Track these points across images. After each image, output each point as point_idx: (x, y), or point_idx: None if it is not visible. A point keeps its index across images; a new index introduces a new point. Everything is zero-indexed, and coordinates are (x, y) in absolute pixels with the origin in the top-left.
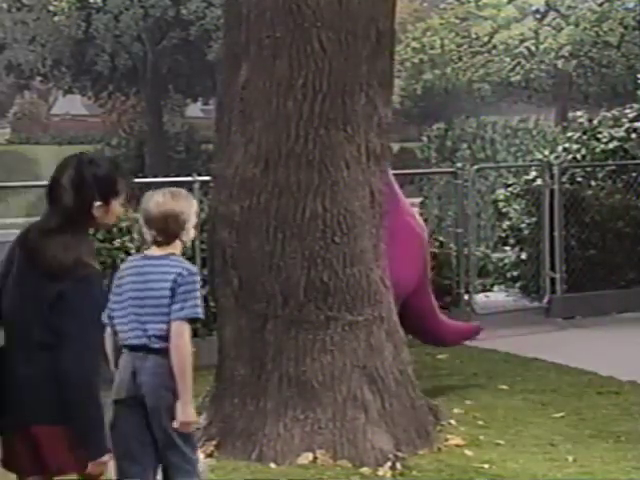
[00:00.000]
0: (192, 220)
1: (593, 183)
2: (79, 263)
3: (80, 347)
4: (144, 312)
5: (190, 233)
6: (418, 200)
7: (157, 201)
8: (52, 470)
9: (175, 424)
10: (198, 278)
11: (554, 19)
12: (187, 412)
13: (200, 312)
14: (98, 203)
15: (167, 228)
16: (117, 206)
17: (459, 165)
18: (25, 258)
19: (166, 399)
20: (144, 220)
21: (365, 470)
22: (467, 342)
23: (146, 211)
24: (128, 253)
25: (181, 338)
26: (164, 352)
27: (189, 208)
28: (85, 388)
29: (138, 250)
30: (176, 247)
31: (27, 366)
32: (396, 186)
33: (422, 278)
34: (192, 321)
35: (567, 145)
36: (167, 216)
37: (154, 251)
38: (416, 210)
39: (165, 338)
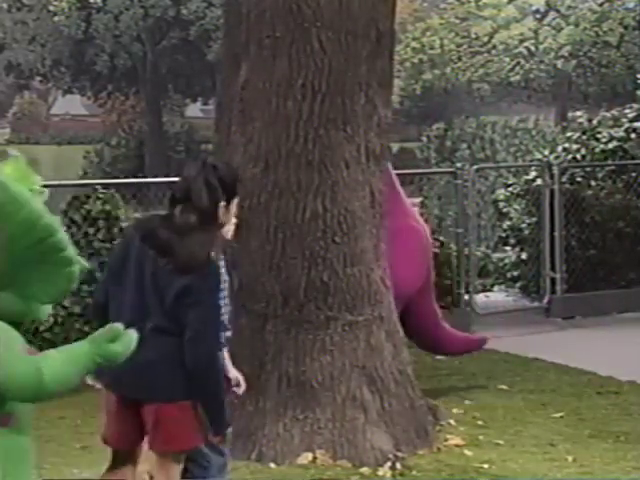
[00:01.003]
0: None
1: (593, 183)
2: (209, 259)
3: (206, 334)
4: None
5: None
6: (418, 200)
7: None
8: (159, 445)
9: None
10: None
11: (554, 19)
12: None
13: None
14: (222, 203)
15: None
16: (234, 206)
17: (459, 165)
18: (156, 253)
19: None
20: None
21: (365, 470)
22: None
23: None
24: None
25: None
26: None
27: None
28: (212, 370)
29: None
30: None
31: (145, 350)
32: (398, 187)
33: (424, 282)
34: None
35: (567, 145)
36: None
37: None
38: (416, 210)
39: None
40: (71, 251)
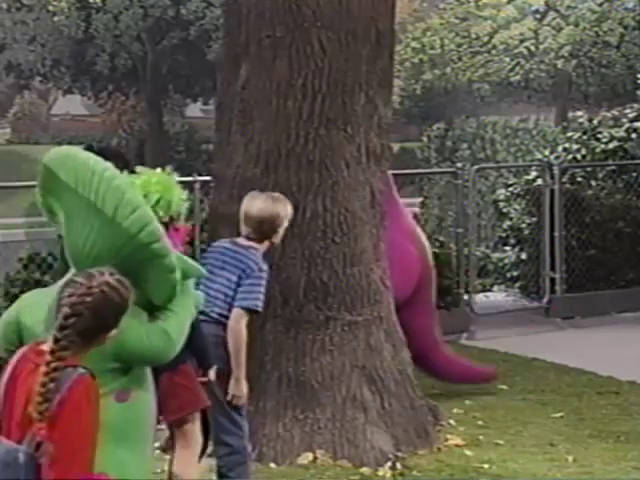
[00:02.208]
0: (285, 224)
1: (593, 183)
2: None
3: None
4: (215, 288)
5: (280, 236)
6: (418, 200)
7: (259, 206)
8: (174, 412)
9: (228, 397)
10: (266, 275)
11: (554, 19)
12: (239, 387)
13: (260, 306)
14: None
15: (261, 229)
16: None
17: (459, 165)
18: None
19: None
20: (243, 218)
21: (365, 470)
22: (467, 342)
23: (247, 212)
24: None
25: (238, 323)
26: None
27: (285, 213)
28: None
29: None
30: (263, 245)
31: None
32: (398, 199)
33: (417, 298)
34: (250, 312)
35: (567, 145)
36: (264, 220)
37: (242, 240)
38: (415, 210)
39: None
40: (172, 259)
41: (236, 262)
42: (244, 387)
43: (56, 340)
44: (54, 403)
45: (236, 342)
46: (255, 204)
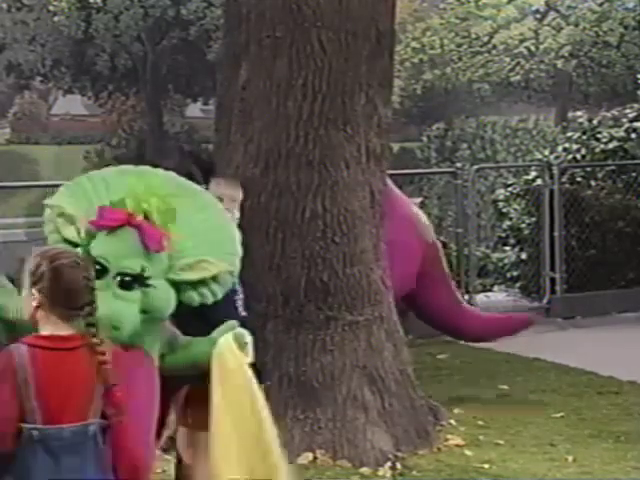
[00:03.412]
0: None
1: (593, 183)
2: None
3: None
4: None
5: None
6: (418, 200)
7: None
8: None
9: None
10: None
11: (554, 19)
12: None
13: None
14: None
15: None
16: None
17: (459, 165)
18: None
19: None
20: None
21: (365, 470)
22: (467, 342)
23: None
24: None
25: None
26: None
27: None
28: None
29: None
30: None
31: None
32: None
33: (427, 277)
34: None
35: (567, 145)
36: None
37: None
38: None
39: None
40: None
41: None
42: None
43: (87, 316)
44: (108, 376)
45: None
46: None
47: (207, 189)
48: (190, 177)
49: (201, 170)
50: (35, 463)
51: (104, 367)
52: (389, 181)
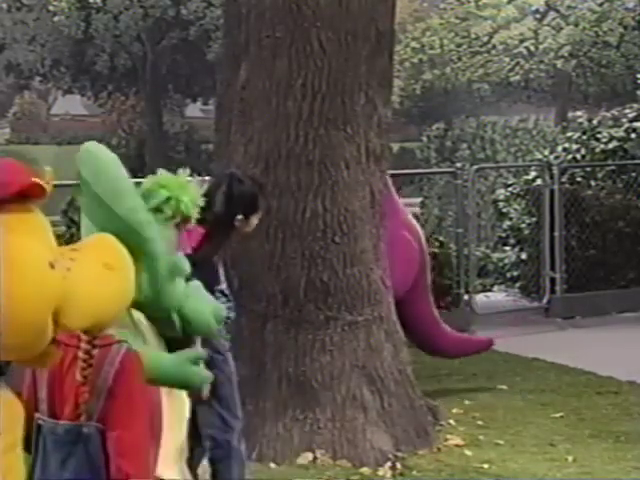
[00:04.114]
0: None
1: (593, 183)
2: (209, 261)
3: None
4: None
5: None
6: (418, 200)
7: None
8: None
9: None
10: None
11: (554, 19)
12: None
13: None
14: (240, 217)
15: None
16: (255, 220)
17: (459, 165)
18: None
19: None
20: None
21: (365, 470)
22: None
23: None
24: None
25: None
26: None
27: None
28: None
29: None
30: None
31: None
32: (393, 192)
33: (416, 286)
34: None
35: (567, 145)
36: None
37: None
38: (415, 210)
39: None
40: (157, 247)
41: None
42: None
43: None
44: (111, 374)
45: None
46: None
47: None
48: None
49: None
50: (37, 453)
51: (107, 368)
52: (390, 184)
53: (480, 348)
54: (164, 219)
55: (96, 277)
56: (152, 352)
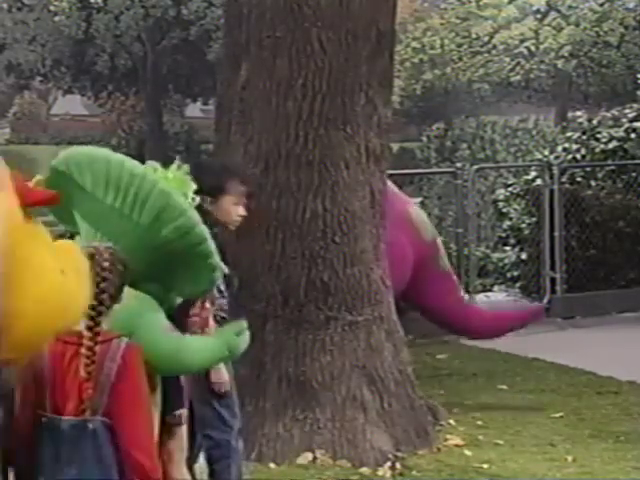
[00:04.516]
0: None
1: (593, 183)
2: None
3: None
4: None
5: None
6: (417, 200)
7: None
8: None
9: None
10: None
11: (554, 19)
12: (218, 374)
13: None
14: (208, 199)
15: None
16: (227, 202)
17: (459, 165)
18: None
19: None
20: None
21: (365, 470)
22: (467, 342)
23: None
24: None
25: None
26: None
27: None
28: None
29: None
30: None
31: None
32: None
33: (427, 272)
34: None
35: (567, 145)
36: None
37: None
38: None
39: None
40: (216, 258)
41: None
42: (224, 373)
43: (92, 307)
44: (112, 373)
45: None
46: None
47: None
48: None
49: None
50: (42, 449)
51: (109, 364)
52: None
53: (527, 319)
54: None
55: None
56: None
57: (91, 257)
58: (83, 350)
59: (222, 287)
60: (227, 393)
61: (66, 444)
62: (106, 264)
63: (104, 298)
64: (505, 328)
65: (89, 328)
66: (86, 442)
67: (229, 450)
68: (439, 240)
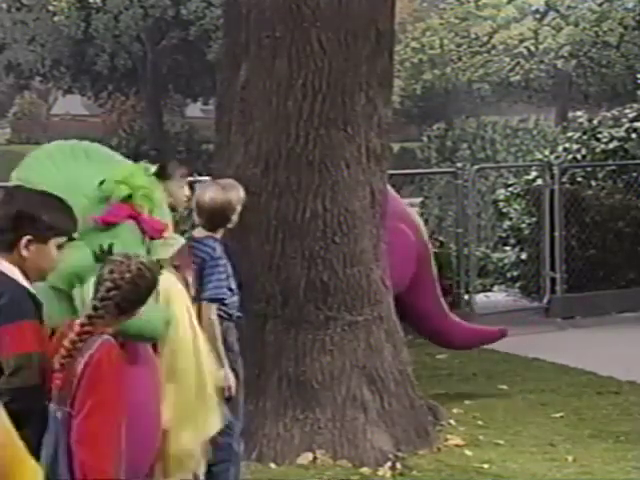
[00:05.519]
0: (238, 209)
1: (593, 183)
2: None
3: None
4: None
5: (234, 221)
6: (418, 200)
7: (210, 196)
8: None
9: None
10: (222, 261)
11: (554, 19)
12: (224, 377)
13: (219, 294)
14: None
15: (214, 220)
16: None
17: (459, 165)
18: None
19: None
20: (196, 209)
21: (365, 470)
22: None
23: (199, 203)
24: None
25: (205, 315)
26: None
27: (237, 198)
28: None
29: None
30: (218, 233)
31: None
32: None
33: (416, 278)
34: (214, 301)
35: (567, 145)
36: (216, 210)
37: (197, 232)
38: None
39: None
40: None
41: (194, 257)
42: (230, 377)
43: (95, 308)
44: (81, 364)
45: (208, 333)
46: (207, 194)
47: None
48: None
49: None
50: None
51: (79, 359)
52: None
53: (492, 338)
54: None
55: None
56: None
57: (119, 263)
58: (65, 342)
59: (233, 285)
60: (233, 397)
61: (50, 430)
62: (127, 275)
63: (108, 305)
64: (476, 343)
65: (81, 325)
66: (58, 430)
67: (230, 453)
68: (429, 244)
